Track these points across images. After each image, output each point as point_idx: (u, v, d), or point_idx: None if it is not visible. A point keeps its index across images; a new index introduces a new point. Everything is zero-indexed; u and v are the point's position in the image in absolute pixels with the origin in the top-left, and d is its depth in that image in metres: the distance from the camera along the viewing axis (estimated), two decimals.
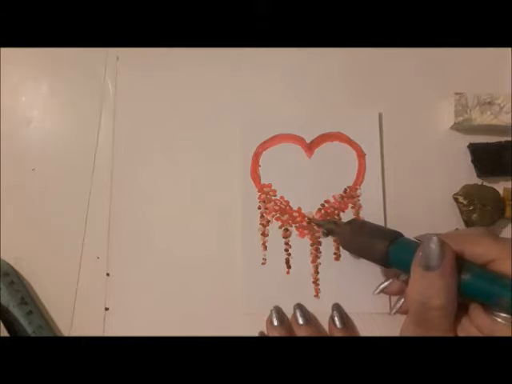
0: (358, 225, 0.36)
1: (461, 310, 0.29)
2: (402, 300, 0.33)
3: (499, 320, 0.27)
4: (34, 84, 0.48)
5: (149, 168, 0.45)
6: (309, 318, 0.39)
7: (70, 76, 0.47)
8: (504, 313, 0.27)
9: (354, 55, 0.46)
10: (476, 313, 0.28)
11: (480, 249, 0.28)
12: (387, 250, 0.32)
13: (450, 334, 0.28)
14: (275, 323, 0.39)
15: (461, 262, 0.28)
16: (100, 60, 0.47)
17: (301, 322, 0.39)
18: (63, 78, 0.47)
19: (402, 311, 0.33)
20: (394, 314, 0.33)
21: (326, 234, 0.42)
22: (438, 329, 0.28)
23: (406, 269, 0.30)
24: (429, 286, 0.27)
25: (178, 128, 0.46)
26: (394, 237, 0.33)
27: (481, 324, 0.27)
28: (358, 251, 0.36)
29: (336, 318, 0.39)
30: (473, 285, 0.28)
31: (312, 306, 0.41)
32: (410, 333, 0.29)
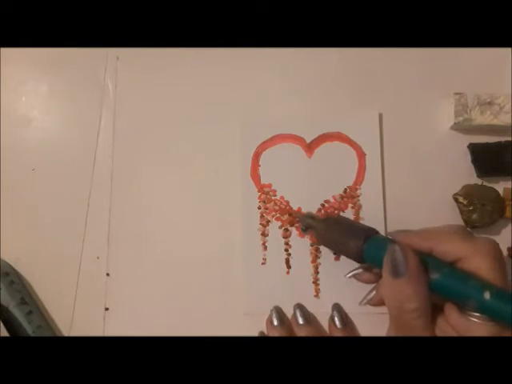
0: (333, 222, 0.36)
1: (436, 310, 0.29)
2: (374, 292, 0.34)
3: (473, 319, 0.27)
4: (34, 84, 0.48)
5: (149, 168, 0.45)
6: (309, 318, 0.39)
7: (69, 76, 0.47)
8: (476, 312, 0.27)
9: (354, 55, 0.46)
10: (450, 312, 0.28)
11: (448, 246, 0.28)
12: (361, 249, 0.32)
13: (426, 335, 0.28)
14: (275, 323, 0.39)
15: (431, 261, 0.28)
16: (100, 60, 0.47)
17: (301, 321, 0.38)
18: (63, 78, 0.47)
19: (373, 303, 0.33)
20: (364, 304, 0.34)
21: (305, 230, 0.42)
22: (415, 331, 0.28)
23: (380, 266, 0.30)
24: (399, 292, 0.28)
25: (178, 128, 0.46)
26: (368, 235, 0.33)
27: (455, 323, 0.28)
28: (334, 248, 0.37)
29: (336, 318, 0.39)
30: (442, 285, 0.28)
31: (312, 306, 0.41)
32: None
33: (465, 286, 0.27)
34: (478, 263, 0.27)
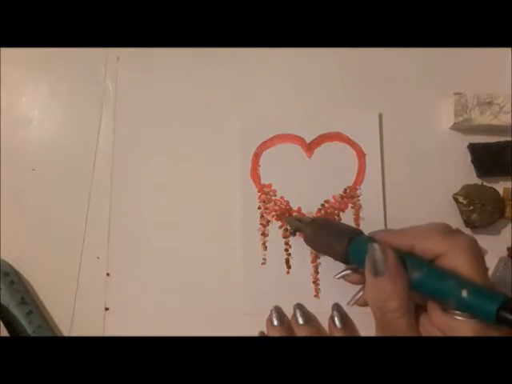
0: (319, 225, 0.37)
1: (420, 309, 0.29)
2: (361, 293, 0.34)
3: (456, 317, 0.27)
4: (34, 84, 0.48)
5: (149, 168, 0.45)
6: (309, 318, 0.39)
7: (70, 76, 0.47)
8: (457, 310, 0.27)
9: (354, 55, 0.46)
10: (433, 311, 0.28)
11: (428, 243, 0.29)
12: (346, 251, 0.33)
13: (411, 335, 0.28)
14: (275, 323, 0.39)
15: (411, 260, 0.29)
16: (100, 60, 0.47)
17: (301, 321, 0.39)
18: (63, 78, 0.47)
19: (360, 303, 0.34)
20: (352, 305, 0.34)
21: (293, 233, 0.42)
22: (399, 331, 0.28)
23: (364, 266, 0.31)
24: (380, 291, 0.28)
25: (177, 128, 0.46)
26: (352, 236, 0.33)
27: (438, 322, 0.28)
28: (321, 250, 0.37)
29: (336, 318, 0.39)
30: (422, 284, 0.28)
31: (312, 306, 0.41)
32: None
33: (444, 284, 0.27)
34: (457, 260, 0.27)
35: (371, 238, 0.32)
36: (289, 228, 0.42)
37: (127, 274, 0.44)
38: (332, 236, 0.34)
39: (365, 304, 0.33)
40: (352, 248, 0.33)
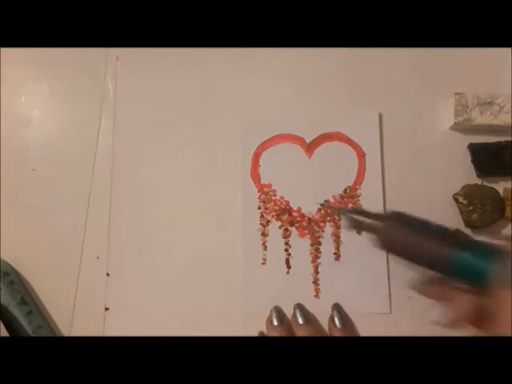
0: (399, 221, 0.29)
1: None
2: (450, 311, 0.28)
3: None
4: (34, 84, 0.48)
5: (149, 168, 0.45)
6: (309, 318, 0.39)
7: (70, 76, 0.47)
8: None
9: (354, 55, 0.46)
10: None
11: None
12: (453, 257, 0.27)
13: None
14: (275, 323, 0.39)
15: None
16: (100, 60, 0.47)
17: (301, 321, 0.38)
18: (63, 78, 0.47)
19: (444, 324, 0.28)
20: (442, 326, 0.28)
21: (351, 228, 0.32)
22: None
23: (471, 279, 0.27)
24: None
25: (177, 128, 0.46)
26: (462, 242, 0.27)
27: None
28: (405, 253, 0.29)
29: (336, 318, 0.39)
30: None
31: (312, 306, 0.41)
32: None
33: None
34: None
35: (489, 245, 0.26)
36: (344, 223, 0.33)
37: (127, 274, 0.44)
38: (431, 236, 0.29)
39: (451, 325, 0.28)
40: (463, 255, 0.27)
